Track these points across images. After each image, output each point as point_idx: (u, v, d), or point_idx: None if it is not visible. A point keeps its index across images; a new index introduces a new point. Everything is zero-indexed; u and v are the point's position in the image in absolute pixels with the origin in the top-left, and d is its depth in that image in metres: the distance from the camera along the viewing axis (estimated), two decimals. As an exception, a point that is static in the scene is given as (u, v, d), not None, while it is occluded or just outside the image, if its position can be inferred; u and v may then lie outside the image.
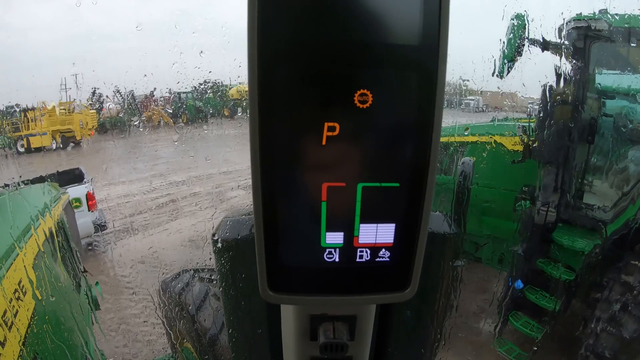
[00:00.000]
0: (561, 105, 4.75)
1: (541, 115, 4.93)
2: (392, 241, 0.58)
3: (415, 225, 0.58)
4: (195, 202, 10.24)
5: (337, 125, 0.51)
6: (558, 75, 4.73)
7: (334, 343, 0.71)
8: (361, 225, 0.57)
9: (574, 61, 4.72)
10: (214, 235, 0.94)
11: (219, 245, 0.93)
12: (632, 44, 4.44)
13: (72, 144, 15.85)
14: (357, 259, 0.59)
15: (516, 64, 4.61)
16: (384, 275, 0.61)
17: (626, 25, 4.41)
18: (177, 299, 3.21)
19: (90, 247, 7.96)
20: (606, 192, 4.88)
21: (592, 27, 4.55)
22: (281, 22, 0.48)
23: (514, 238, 5.19)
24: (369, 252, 0.59)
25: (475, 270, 5.91)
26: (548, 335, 4.77)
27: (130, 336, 5.48)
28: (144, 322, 5.65)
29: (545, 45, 4.75)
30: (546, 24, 4.79)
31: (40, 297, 2.01)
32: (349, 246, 0.58)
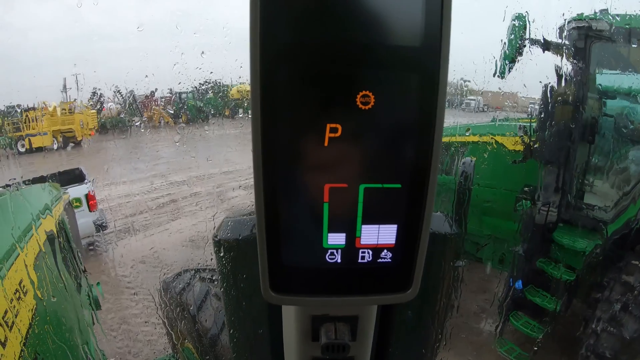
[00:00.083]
0: (562, 105, 4.75)
1: (542, 115, 4.93)
2: (393, 242, 0.58)
3: (417, 226, 0.58)
4: (196, 202, 10.25)
5: (339, 126, 0.51)
6: (559, 76, 4.73)
7: (336, 344, 0.71)
8: (363, 226, 0.57)
9: (575, 61, 4.72)
10: (215, 235, 0.94)
11: (220, 245, 0.93)
12: (633, 45, 4.44)
13: (72, 144, 15.86)
14: (359, 260, 0.59)
15: (517, 64, 4.62)
16: (386, 276, 0.61)
17: (627, 26, 4.41)
18: (178, 299, 3.22)
19: (91, 247, 7.97)
20: (607, 192, 4.88)
21: (593, 28, 4.55)
22: (283, 23, 0.48)
23: (515, 238, 5.19)
24: (370, 253, 0.59)
25: (476, 271, 5.91)
26: (549, 335, 4.77)
27: (131, 336, 5.48)
28: (145, 322, 5.65)
29: (546, 45, 4.75)
30: (547, 24, 4.80)
31: (41, 297, 2.01)
32: (351, 247, 0.58)
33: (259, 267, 0.59)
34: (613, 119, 4.79)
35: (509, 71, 4.65)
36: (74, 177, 8.03)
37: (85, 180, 7.95)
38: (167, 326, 3.59)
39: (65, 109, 16.29)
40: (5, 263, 1.78)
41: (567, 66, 4.76)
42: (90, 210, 7.69)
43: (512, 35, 4.59)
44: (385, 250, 0.59)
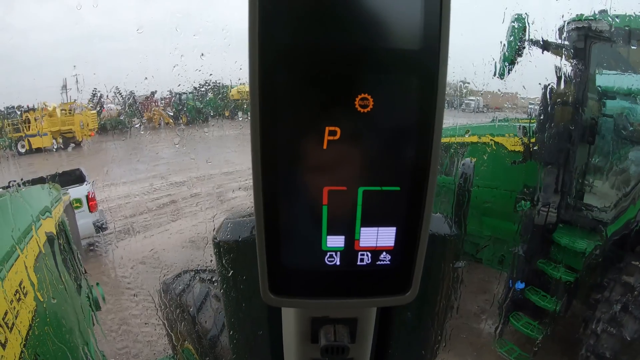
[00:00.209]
0: (561, 106, 4.76)
1: (542, 116, 4.93)
2: (393, 244, 0.59)
3: (416, 229, 0.58)
4: (196, 202, 10.24)
5: (338, 129, 0.51)
6: (558, 77, 4.73)
7: (335, 346, 0.71)
8: (362, 228, 0.57)
9: (575, 62, 4.73)
10: (215, 237, 0.94)
11: (220, 247, 0.93)
12: (633, 46, 4.44)
13: (72, 145, 15.85)
14: (358, 263, 0.59)
15: (516, 65, 4.62)
16: (385, 279, 0.61)
17: (627, 28, 4.41)
18: (178, 300, 3.21)
19: (91, 248, 7.97)
20: (607, 192, 4.88)
21: (593, 28, 4.55)
22: (282, 26, 0.48)
23: (515, 239, 5.19)
24: (369, 255, 0.59)
25: (476, 272, 5.91)
26: (549, 336, 4.76)
27: (131, 337, 5.48)
28: (145, 323, 5.65)
29: (545, 46, 4.75)
30: (546, 25, 4.80)
31: (41, 299, 2.01)
32: (350, 250, 0.58)
33: (258, 269, 0.59)
34: (613, 119, 4.80)
35: (509, 72, 4.65)
36: (74, 178, 8.02)
37: (86, 182, 7.94)
38: (167, 327, 3.58)
39: (65, 110, 16.28)
40: (5, 264, 1.78)
41: (566, 67, 4.77)
42: (90, 211, 7.69)
43: (512, 37, 4.59)
44: (384, 253, 0.59)
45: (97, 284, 3.91)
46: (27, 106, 15.16)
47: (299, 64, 0.50)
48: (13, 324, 1.63)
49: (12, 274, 1.79)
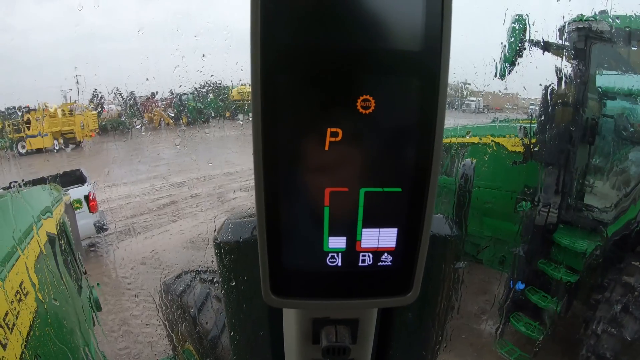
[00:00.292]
0: (562, 106, 4.76)
1: (542, 117, 4.93)
2: (394, 245, 0.59)
3: (417, 230, 0.58)
4: (197, 203, 10.25)
5: (339, 130, 0.51)
6: (559, 77, 4.73)
7: (337, 346, 0.71)
8: (363, 229, 0.57)
9: (575, 63, 4.73)
10: (216, 237, 0.95)
11: (221, 247, 0.93)
12: (633, 47, 4.44)
13: (72, 146, 15.85)
14: (360, 264, 0.59)
15: (517, 66, 4.62)
16: (387, 280, 0.61)
17: (627, 29, 4.41)
18: (179, 301, 3.21)
19: (92, 249, 7.97)
20: (607, 193, 4.88)
21: (593, 29, 4.55)
22: (284, 28, 0.49)
23: (515, 239, 5.19)
24: (371, 256, 0.59)
25: (477, 272, 5.91)
26: (549, 336, 4.76)
27: (132, 337, 5.48)
28: (146, 324, 5.65)
29: (546, 47, 4.76)
30: (547, 26, 4.81)
31: (42, 299, 2.01)
32: (352, 251, 0.59)
33: (259, 270, 0.59)
34: (613, 120, 4.80)
35: (509, 73, 4.66)
36: (75, 178, 8.01)
37: (86, 182, 7.95)
38: (167, 328, 3.58)
39: (65, 111, 16.27)
40: (6, 265, 1.78)
41: (567, 68, 4.77)
42: (90, 212, 7.69)
43: (512, 38, 4.60)
44: (385, 254, 0.59)
45: (98, 284, 3.92)
46: (28, 107, 15.16)
47: (301, 65, 0.50)
48: (14, 324, 1.63)
49: (13, 274, 1.79)
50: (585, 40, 4.63)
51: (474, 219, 5.82)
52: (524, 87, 5.04)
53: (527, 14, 4.62)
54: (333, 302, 0.63)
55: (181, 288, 3.28)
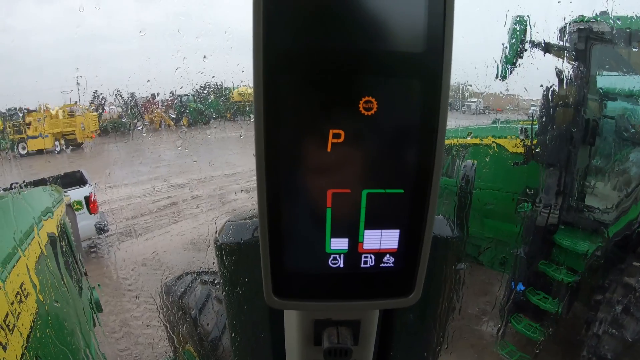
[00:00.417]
0: (563, 107, 4.75)
1: (543, 118, 4.93)
2: (396, 247, 0.59)
3: (419, 231, 0.58)
4: (197, 204, 10.24)
5: (342, 132, 0.51)
6: (560, 78, 4.73)
7: (338, 348, 0.71)
8: (366, 231, 0.57)
9: (576, 64, 4.73)
10: (217, 239, 0.94)
11: (222, 249, 0.93)
12: (634, 48, 4.44)
13: (71, 147, 15.84)
14: (362, 265, 0.59)
15: (518, 67, 4.62)
16: (389, 281, 0.61)
17: (627, 29, 4.41)
18: (180, 302, 3.21)
19: (92, 250, 7.97)
20: (608, 194, 4.87)
21: (594, 30, 4.55)
22: (286, 29, 0.49)
23: (516, 240, 5.19)
24: (373, 258, 0.59)
25: (478, 274, 5.90)
26: (550, 337, 4.75)
27: (132, 339, 5.47)
28: (147, 325, 5.64)
29: (547, 48, 4.76)
30: (548, 27, 4.81)
31: (42, 300, 2.01)
32: (354, 252, 0.59)
33: (260, 271, 0.59)
34: (614, 120, 4.79)
35: (510, 74, 4.66)
36: (75, 179, 8.02)
37: (87, 183, 7.95)
38: (168, 329, 3.58)
39: (66, 112, 16.28)
40: (7, 266, 1.78)
41: (567, 69, 4.77)
42: (91, 213, 7.68)
43: (513, 39, 4.60)
44: (387, 255, 0.59)
45: (99, 285, 3.92)
46: (29, 108, 15.18)
47: (303, 67, 0.50)
48: (14, 325, 1.63)
49: (13, 275, 1.79)
50: (586, 41, 4.63)
51: (475, 220, 5.81)
52: (525, 88, 5.04)
53: (528, 15, 4.63)
54: (335, 304, 0.63)
55: (182, 289, 3.27)
